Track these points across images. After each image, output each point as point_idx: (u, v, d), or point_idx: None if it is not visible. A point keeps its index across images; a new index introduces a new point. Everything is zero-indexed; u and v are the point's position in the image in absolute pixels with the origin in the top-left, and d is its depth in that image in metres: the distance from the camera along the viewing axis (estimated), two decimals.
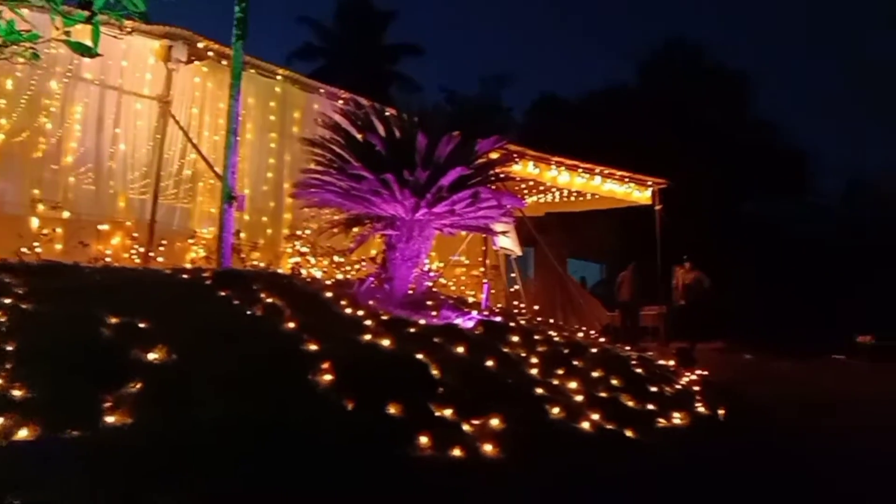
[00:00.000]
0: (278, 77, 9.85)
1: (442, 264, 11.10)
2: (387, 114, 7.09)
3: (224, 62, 8.54)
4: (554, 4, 76.17)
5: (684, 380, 6.98)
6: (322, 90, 10.18)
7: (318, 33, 29.93)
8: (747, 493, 4.03)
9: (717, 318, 16.00)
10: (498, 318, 7.09)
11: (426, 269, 8.64)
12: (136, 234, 8.15)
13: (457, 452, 3.86)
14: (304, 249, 9.02)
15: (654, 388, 5.96)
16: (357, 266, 9.08)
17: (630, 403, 5.41)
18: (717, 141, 22.60)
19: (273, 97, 9.85)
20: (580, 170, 13.46)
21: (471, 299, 9.16)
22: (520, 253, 11.95)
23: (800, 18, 65.68)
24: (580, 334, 8.53)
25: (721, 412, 6.05)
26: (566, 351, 6.35)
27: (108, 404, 3.57)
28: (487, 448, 3.98)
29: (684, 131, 22.04)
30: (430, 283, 8.67)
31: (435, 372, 4.73)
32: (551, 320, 10.09)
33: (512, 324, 6.88)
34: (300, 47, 29.37)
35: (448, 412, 4.26)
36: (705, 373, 7.98)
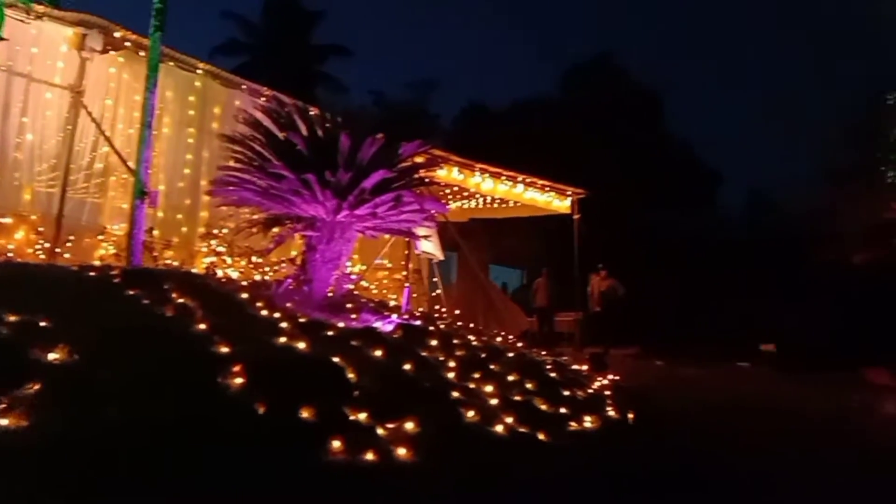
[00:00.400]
0: (198, 71, 9.58)
1: (364, 267, 11.05)
2: (311, 113, 7.02)
3: (142, 53, 8.24)
4: (485, 13, 77.13)
5: (596, 384, 7.18)
6: (244, 86, 9.96)
7: (243, 29, 29.28)
8: (649, 493, 4.18)
9: (631, 324, 16.52)
10: (418, 322, 7.11)
11: (347, 271, 8.59)
12: (41, 229, 7.77)
13: (370, 456, 3.85)
14: (221, 249, 8.80)
15: (567, 393, 6.11)
16: (276, 267, 8.93)
17: (543, 407, 5.52)
18: (633, 154, 23.43)
19: (192, 91, 9.58)
20: (503, 177, 13.67)
21: (392, 303, 9.16)
22: (442, 257, 12.03)
23: (717, 40, 68.81)
24: (499, 339, 8.65)
25: (630, 416, 6.25)
26: (483, 355, 6.43)
27: (1, 406, 3.38)
28: (401, 451, 3.99)
29: (603, 143, 22.74)
30: (351, 286, 8.62)
31: (351, 375, 4.71)
32: (471, 325, 10.19)
33: (431, 328, 6.92)
34: (224, 42, 28.64)
35: (363, 416, 4.24)
36: (617, 378, 8.22)
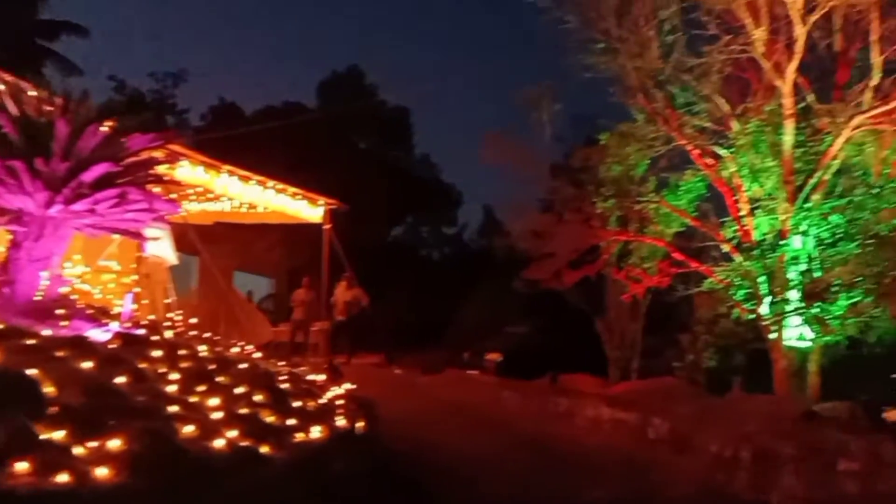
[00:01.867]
0: None
1: (88, 269, 10.00)
2: (31, 94, 6.26)
3: None
4: (245, 11, 74.55)
5: (330, 394, 7.22)
6: None
7: None
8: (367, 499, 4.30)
9: (374, 333, 16.97)
10: (141, 331, 6.60)
11: (62, 273, 7.70)
12: None
13: (64, 478, 3.48)
14: None
15: (298, 403, 6.06)
16: None
17: (270, 419, 5.41)
18: (383, 168, 24.21)
19: None
20: (252, 181, 13.27)
21: (117, 309, 8.40)
22: (175, 261, 11.32)
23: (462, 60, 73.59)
24: (235, 349, 8.34)
25: (360, 425, 6.38)
26: (212, 366, 6.15)
27: None
28: (102, 471, 3.65)
29: (354, 155, 23.20)
30: (67, 290, 7.76)
31: (50, 389, 4.22)
32: (208, 334, 9.69)
33: (156, 337, 6.45)
34: None
35: (59, 434, 3.82)
36: (354, 387, 8.36)
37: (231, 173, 12.78)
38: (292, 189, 14.16)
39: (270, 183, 13.60)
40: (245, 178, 13.11)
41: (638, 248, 15.90)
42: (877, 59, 12.67)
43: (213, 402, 5.25)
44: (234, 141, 17.49)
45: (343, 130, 25.22)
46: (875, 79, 12.72)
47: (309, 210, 14.82)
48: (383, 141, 26.59)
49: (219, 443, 4.57)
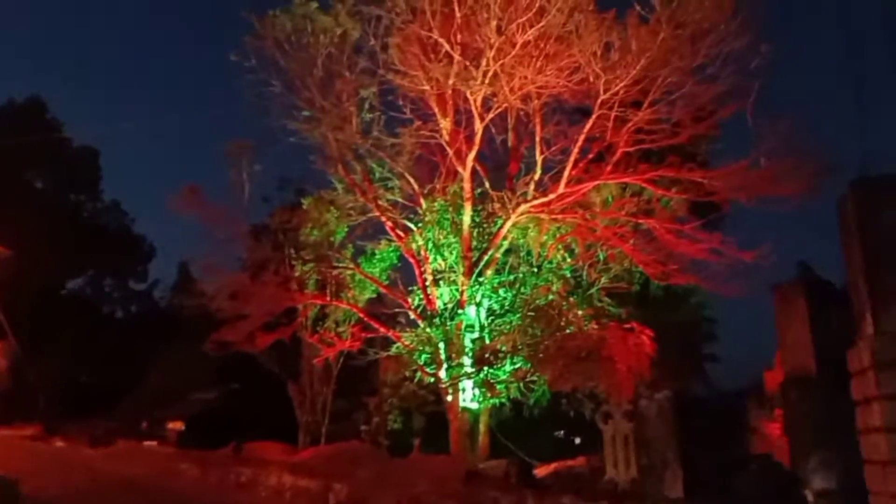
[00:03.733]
0: None
1: None
2: None
3: None
4: None
5: None
6: None
7: None
8: None
9: (34, 401, 14.84)
10: None
11: None
12: None
13: None
14: None
15: None
16: None
17: None
18: (62, 214, 21.77)
19: None
20: None
21: None
22: None
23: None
24: None
25: None
26: None
27: None
28: None
29: (26, 196, 20.55)
30: None
31: None
32: None
33: None
34: None
35: None
36: None
37: None
38: None
39: None
40: None
41: (333, 311, 16.22)
42: (539, 157, 14.73)
43: None
44: None
45: (15, 167, 22.16)
46: (537, 174, 14.75)
47: None
48: (65, 182, 23.88)
49: None
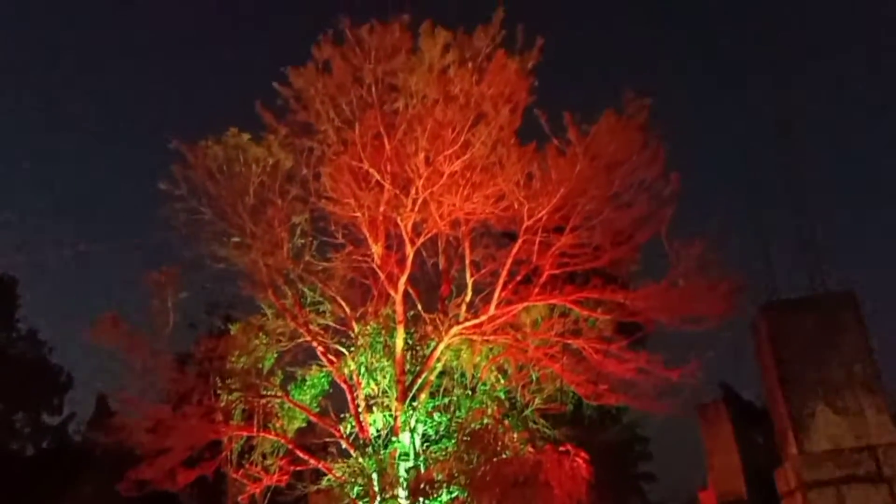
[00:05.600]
0: None
1: None
2: None
3: None
4: None
5: None
6: None
7: None
8: None
9: None
10: None
11: None
12: None
13: None
14: None
15: None
16: None
17: None
18: None
19: None
20: None
21: None
22: None
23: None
24: None
25: None
26: None
27: None
28: None
29: None
30: None
31: None
32: None
33: None
34: None
35: None
36: None
37: None
38: None
39: None
40: None
41: (261, 443, 15.54)
42: (469, 280, 15.02)
43: None
44: None
45: None
46: (468, 296, 14.98)
47: None
48: None
49: None
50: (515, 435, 14.29)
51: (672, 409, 14.12)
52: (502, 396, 15.11)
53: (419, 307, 15.31)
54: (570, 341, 14.42)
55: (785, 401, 7.97)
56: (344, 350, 15.12)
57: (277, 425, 15.18)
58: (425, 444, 14.40)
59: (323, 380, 15.65)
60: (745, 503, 13.14)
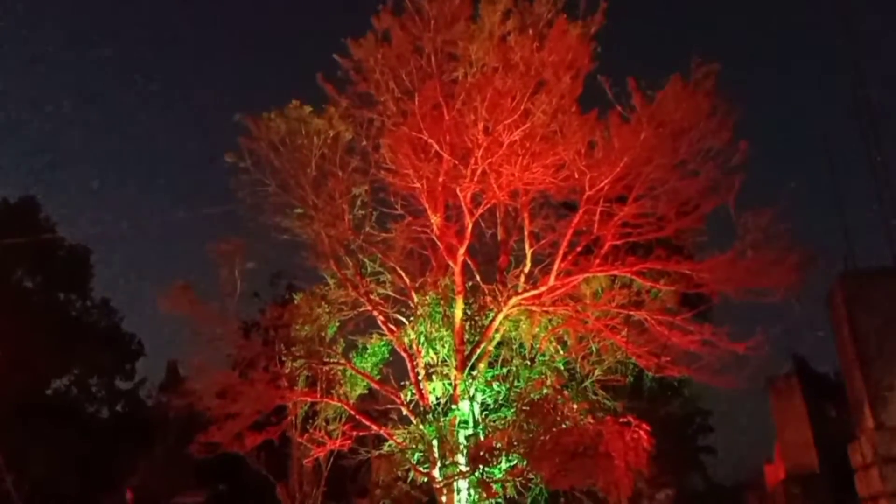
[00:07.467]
0: None
1: None
2: None
3: None
4: None
5: None
6: None
7: None
8: None
9: None
10: None
11: None
12: None
13: None
14: None
15: None
16: None
17: None
18: (46, 313, 21.65)
19: None
20: None
21: None
22: None
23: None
24: None
25: None
26: None
27: None
28: None
29: (10, 295, 20.49)
30: None
31: None
32: None
33: None
34: None
35: None
36: None
37: None
38: None
39: None
40: None
41: (324, 409, 15.92)
42: (528, 251, 14.93)
43: None
44: None
45: (6, 267, 22.16)
46: (527, 267, 14.90)
47: None
48: (54, 281, 23.85)
49: None
50: (575, 405, 14.25)
51: (738, 383, 13.81)
52: (561, 367, 15.05)
53: (478, 278, 15.33)
54: (631, 312, 14.23)
55: (862, 374, 7.71)
56: (404, 319, 15.29)
57: (340, 392, 15.51)
58: (484, 413, 14.49)
59: (384, 348, 15.87)
60: (818, 477, 12.84)
